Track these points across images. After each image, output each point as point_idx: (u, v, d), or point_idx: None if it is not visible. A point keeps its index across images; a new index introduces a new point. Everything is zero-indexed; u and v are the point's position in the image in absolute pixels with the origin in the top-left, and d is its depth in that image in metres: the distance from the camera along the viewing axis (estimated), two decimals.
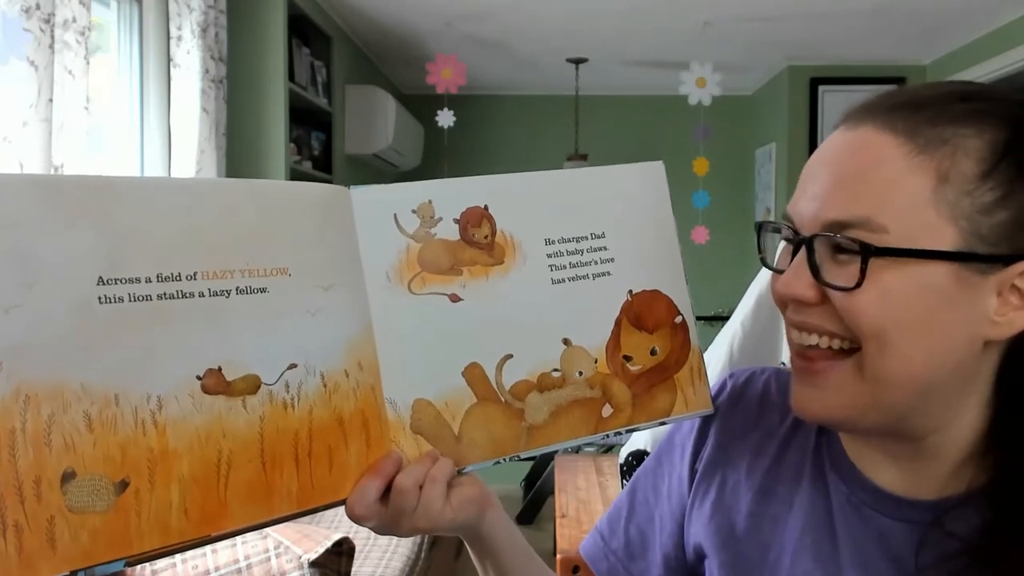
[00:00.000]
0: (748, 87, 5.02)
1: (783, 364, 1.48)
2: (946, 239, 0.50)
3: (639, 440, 1.72)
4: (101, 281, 0.47)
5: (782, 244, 0.59)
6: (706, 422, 0.69)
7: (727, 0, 3.32)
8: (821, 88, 4.39)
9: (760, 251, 0.62)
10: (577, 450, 3.12)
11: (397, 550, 2.12)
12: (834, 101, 4.35)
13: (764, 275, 1.69)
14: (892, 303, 0.51)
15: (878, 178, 0.51)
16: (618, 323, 0.65)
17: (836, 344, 0.54)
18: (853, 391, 0.53)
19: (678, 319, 0.67)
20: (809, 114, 4.40)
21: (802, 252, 0.54)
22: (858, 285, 0.51)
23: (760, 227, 0.62)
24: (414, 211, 0.60)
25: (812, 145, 4.35)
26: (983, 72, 3.68)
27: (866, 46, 4.04)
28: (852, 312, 0.52)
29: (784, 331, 0.60)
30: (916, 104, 0.52)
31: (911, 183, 0.50)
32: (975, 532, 0.52)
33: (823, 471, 0.62)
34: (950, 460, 0.56)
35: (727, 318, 1.71)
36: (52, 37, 1.72)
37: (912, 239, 0.50)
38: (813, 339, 0.54)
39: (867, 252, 0.50)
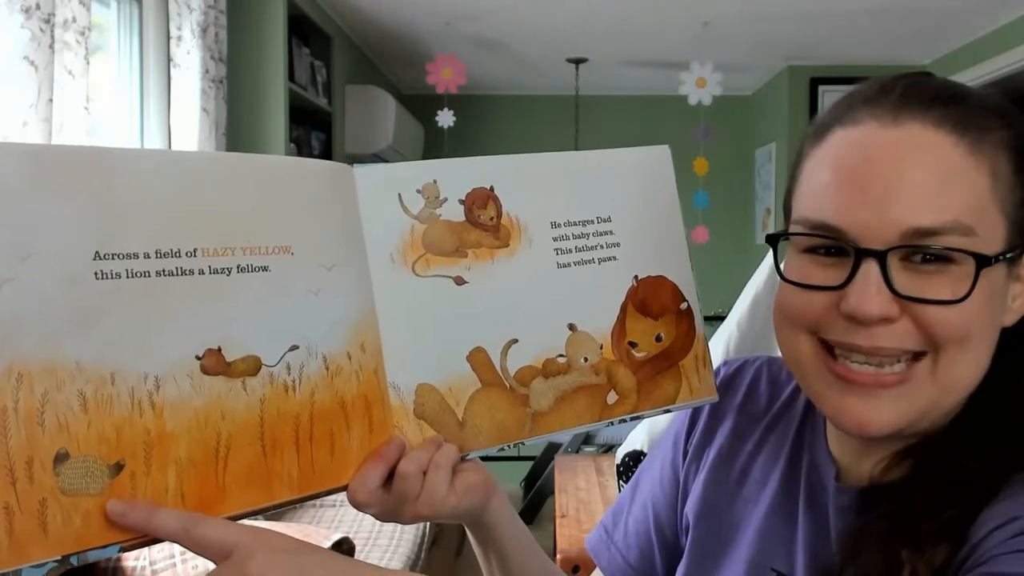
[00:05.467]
0: (748, 87, 5.02)
1: None
2: (1002, 236, 0.50)
3: (635, 441, 1.72)
4: (97, 256, 0.46)
5: (788, 258, 0.56)
6: (698, 408, 0.70)
7: (727, 0, 3.32)
8: (821, 88, 4.39)
9: (777, 265, 0.57)
10: (577, 450, 3.12)
11: (397, 550, 2.11)
12: (834, 101, 4.34)
13: (760, 275, 1.69)
14: (980, 309, 0.50)
15: (949, 179, 0.49)
16: (623, 309, 0.64)
17: (905, 356, 0.51)
18: (921, 397, 0.51)
19: (683, 306, 0.66)
20: (809, 114, 4.40)
21: (873, 266, 0.49)
22: (966, 297, 0.48)
23: (776, 240, 0.56)
24: (419, 191, 0.59)
25: None
26: (983, 72, 3.68)
27: (866, 46, 4.03)
28: (946, 324, 0.49)
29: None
30: (948, 100, 0.51)
31: (977, 182, 0.49)
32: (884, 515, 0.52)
33: (800, 453, 0.62)
34: None
35: (726, 318, 1.71)
36: (52, 37, 1.72)
37: (987, 240, 0.49)
38: (887, 361, 0.51)
39: (981, 263, 0.48)
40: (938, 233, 0.49)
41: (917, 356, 0.51)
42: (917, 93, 0.52)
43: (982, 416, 0.53)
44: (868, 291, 0.49)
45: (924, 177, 0.49)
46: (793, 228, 0.55)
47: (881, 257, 0.49)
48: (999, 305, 0.52)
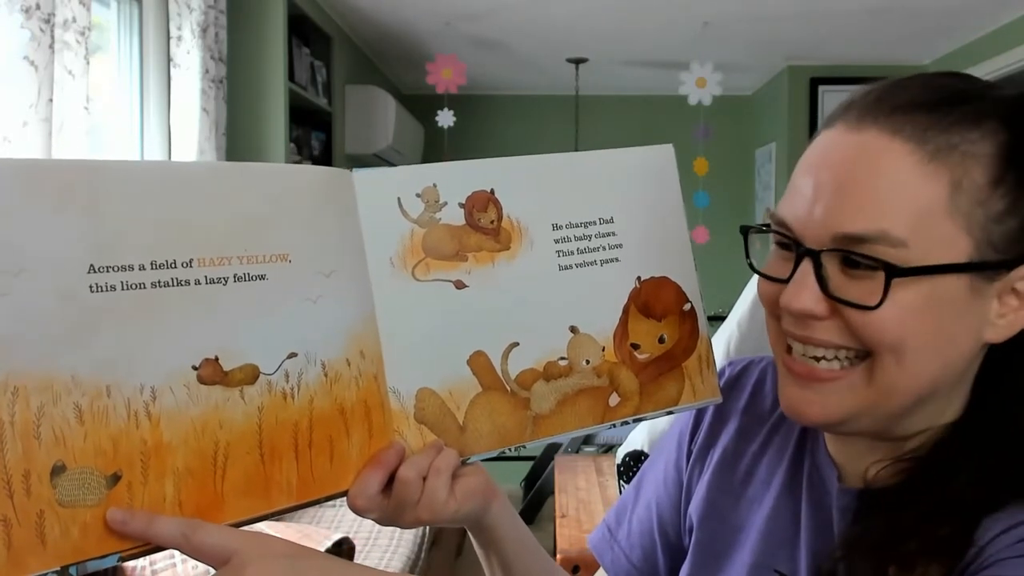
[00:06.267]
0: (748, 87, 5.02)
1: None
2: (960, 249, 0.49)
3: (636, 440, 1.72)
4: (92, 269, 0.45)
5: (772, 247, 0.57)
6: (702, 409, 0.70)
7: (727, 0, 3.32)
8: (821, 88, 4.39)
9: (747, 256, 0.60)
10: (577, 450, 3.12)
11: (397, 550, 2.11)
12: (834, 101, 4.26)
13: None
14: (911, 318, 0.49)
15: (892, 188, 0.49)
16: (626, 310, 0.63)
17: (844, 355, 0.52)
18: (856, 397, 0.53)
19: (687, 307, 0.65)
20: (809, 114, 4.40)
21: (809, 265, 0.52)
22: (879, 304, 0.49)
23: (747, 232, 0.60)
24: (418, 195, 0.58)
25: None
26: (983, 72, 3.67)
27: (866, 46, 4.03)
28: (869, 328, 0.50)
29: None
30: (920, 106, 0.51)
31: (926, 193, 0.49)
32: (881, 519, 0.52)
33: (803, 454, 0.63)
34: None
35: (727, 318, 1.71)
36: (52, 37, 1.71)
37: (930, 252, 0.49)
38: (819, 352, 0.53)
39: (891, 273, 0.48)
40: (864, 241, 0.49)
41: (862, 357, 0.52)
42: (889, 98, 0.52)
43: (980, 430, 0.53)
44: (798, 287, 0.52)
45: (864, 184, 0.50)
46: (766, 220, 0.57)
47: (815, 256, 0.51)
48: (956, 317, 0.50)
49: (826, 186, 0.51)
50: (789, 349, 0.55)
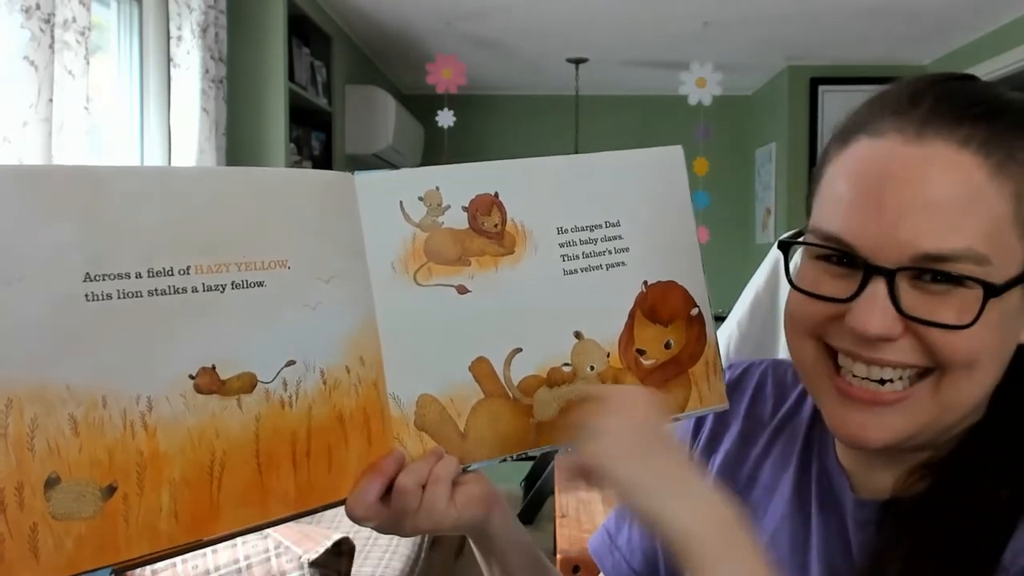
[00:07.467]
0: (748, 87, 5.01)
1: None
2: (1020, 260, 0.49)
3: None
4: (88, 277, 0.45)
5: (801, 261, 0.55)
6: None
7: (727, 0, 3.32)
8: (821, 88, 4.38)
9: (787, 273, 0.57)
10: None
11: (397, 550, 2.11)
12: (834, 101, 4.34)
13: (761, 275, 1.69)
14: (989, 334, 0.49)
15: (970, 203, 0.48)
16: (632, 315, 0.62)
17: (908, 373, 0.51)
18: (921, 414, 0.51)
19: (694, 311, 0.64)
20: (809, 114, 4.39)
21: (880, 284, 0.49)
22: (972, 323, 0.48)
23: (787, 247, 0.57)
24: (421, 198, 0.57)
25: (812, 145, 4.33)
26: (983, 72, 3.67)
27: (866, 46, 4.03)
28: (951, 347, 0.49)
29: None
30: (978, 116, 0.49)
31: (997, 207, 0.48)
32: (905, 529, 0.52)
33: (810, 460, 0.62)
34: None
35: (726, 319, 1.71)
36: (52, 37, 1.71)
37: (1005, 266, 0.48)
38: (887, 373, 0.51)
39: (989, 292, 0.47)
40: (949, 260, 0.48)
41: (923, 374, 0.51)
42: (947, 107, 0.50)
43: (1004, 434, 0.53)
44: (873, 309, 0.49)
45: (941, 200, 0.48)
46: (808, 237, 0.54)
47: (890, 276, 0.49)
48: (1012, 326, 0.51)
49: (894, 203, 0.49)
50: (838, 369, 0.53)
